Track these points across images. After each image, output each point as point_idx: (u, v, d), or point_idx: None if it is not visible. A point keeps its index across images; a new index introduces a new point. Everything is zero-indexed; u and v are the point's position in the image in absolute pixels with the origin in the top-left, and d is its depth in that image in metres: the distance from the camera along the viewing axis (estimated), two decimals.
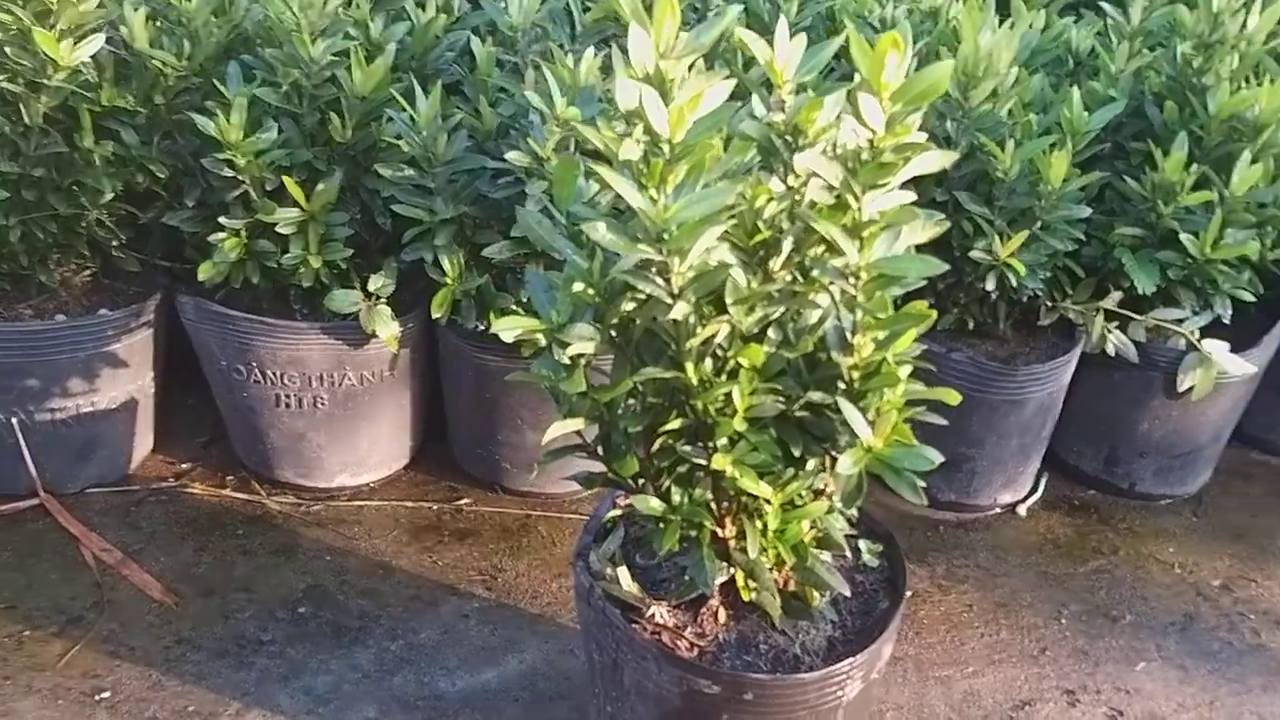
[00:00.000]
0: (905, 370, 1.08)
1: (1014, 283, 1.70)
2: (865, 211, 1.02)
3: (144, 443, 1.84)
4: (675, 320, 1.01)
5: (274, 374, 1.70)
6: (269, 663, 1.49)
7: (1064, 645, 1.63)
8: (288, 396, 1.72)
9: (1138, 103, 1.87)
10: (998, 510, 1.91)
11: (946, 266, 0.98)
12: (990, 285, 1.71)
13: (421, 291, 1.71)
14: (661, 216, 0.93)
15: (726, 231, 1.04)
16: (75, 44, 1.50)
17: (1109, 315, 1.81)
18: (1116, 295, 1.81)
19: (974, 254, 1.70)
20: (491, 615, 1.60)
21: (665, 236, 0.95)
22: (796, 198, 1.05)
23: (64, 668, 1.45)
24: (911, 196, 1.05)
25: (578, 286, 1.05)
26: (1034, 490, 1.96)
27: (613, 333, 1.07)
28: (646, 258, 0.97)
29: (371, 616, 1.58)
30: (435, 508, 1.81)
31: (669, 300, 0.99)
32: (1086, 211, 1.70)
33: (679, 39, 0.94)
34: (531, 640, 1.56)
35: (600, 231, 0.95)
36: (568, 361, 1.07)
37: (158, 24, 1.63)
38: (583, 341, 1.05)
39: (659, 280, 0.99)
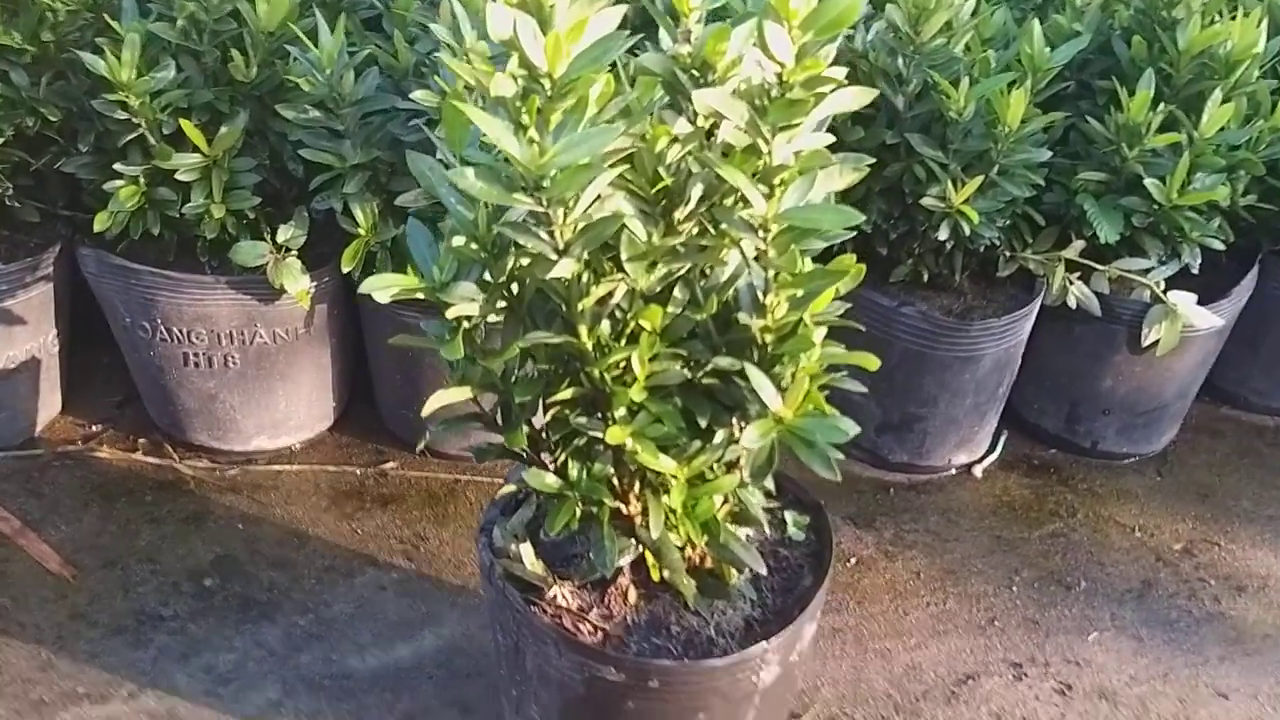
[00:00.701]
0: (822, 332, 0.98)
1: (969, 231, 1.60)
2: (776, 155, 0.92)
3: (50, 403, 1.74)
4: (564, 279, 0.92)
5: (180, 331, 1.59)
6: (169, 640, 1.40)
7: (1013, 615, 1.55)
8: (196, 355, 1.62)
9: (1104, 38, 1.76)
10: (952, 471, 1.82)
11: (863, 217, 0.87)
12: (944, 235, 1.61)
13: (339, 244, 1.60)
14: (538, 162, 0.83)
15: (623, 178, 0.94)
16: None
17: (1070, 266, 1.71)
18: (1079, 245, 1.71)
19: (926, 201, 1.59)
20: (411, 587, 1.52)
21: (544, 184, 0.84)
22: (704, 141, 0.95)
23: None
24: (828, 139, 0.95)
25: (459, 240, 0.95)
26: (991, 450, 1.87)
27: (502, 293, 0.97)
28: (530, 209, 0.87)
29: (282, 589, 1.49)
30: (358, 472, 1.72)
31: (553, 256, 0.89)
32: (1047, 155, 1.60)
33: None
34: (451, 614, 1.48)
35: (469, 180, 0.85)
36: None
37: None
38: (465, 302, 0.95)
39: (542, 234, 0.89)
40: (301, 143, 1.49)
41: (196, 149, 1.48)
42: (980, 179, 1.57)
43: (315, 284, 1.58)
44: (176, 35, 1.48)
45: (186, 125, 1.46)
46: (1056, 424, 1.89)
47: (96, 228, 1.51)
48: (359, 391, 1.82)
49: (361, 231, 1.51)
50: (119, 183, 1.50)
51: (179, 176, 1.49)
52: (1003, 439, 1.89)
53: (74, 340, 1.75)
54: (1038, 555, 1.66)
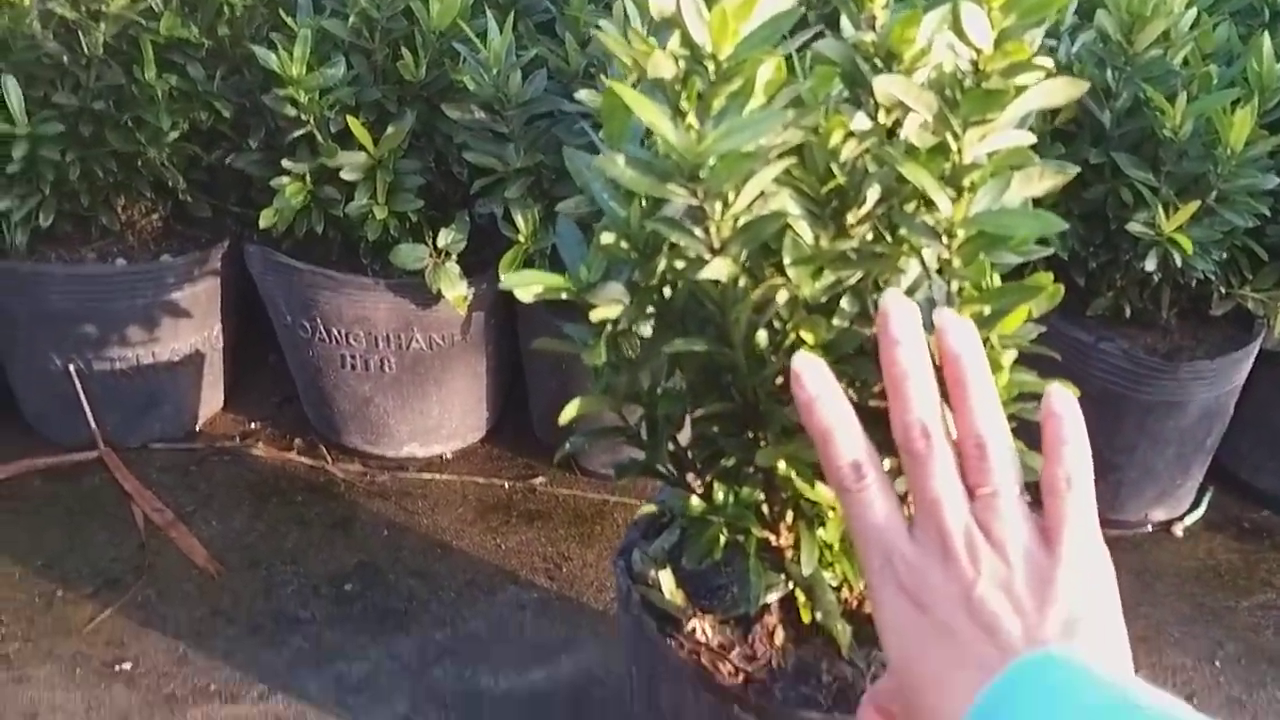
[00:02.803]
0: (1011, 356, 0.87)
1: (1180, 263, 1.43)
2: (967, 154, 0.81)
3: (213, 399, 1.76)
4: (718, 282, 0.83)
5: (339, 332, 1.58)
6: (304, 644, 1.37)
7: (1216, 693, 1.37)
8: (353, 357, 1.60)
9: None
10: (1149, 528, 1.65)
11: (1065, 225, 0.76)
12: (1151, 265, 1.45)
13: (500, 251, 1.56)
14: (694, 149, 0.74)
15: (790, 174, 0.85)
16: None
17: None
18: None
19: (1133, 227, 1.44)
20: (551, 608, 1.45)
21: (701, 174, 0.76)
22: (884, 138, 0.85)
23: (90, 634, 1.36)
24: (1029, 138, 0.84)
25: (608, 238, 0.87)
26: (1194, 506, 1.69)
27: (652, 297, 0.89)
28: (686, 204, 0.79)
29: (421, 601, 1.45)
30: (507, 485, 1.67)
31: (707, 256, 0.80)
32: (1275, 181, 1.42)
33: None
34: (590, 640, 1.40)
35: (619, 167, 0.77)
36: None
37: None
38: (610, 304, 0.87)
39: (697, 231, 0.80)
40: (466, 145, 1.45)
41: (362, 148, 1.46)
42: (1196, 205, 1.40)
43: (473, 290, 1.54)
44: (348, 32, 1.47)
45: (353, 123, 1.44)
46: (1273, 483, 1.69)
47: (262, 224, 1.51)
48: (513, 404, 1.78)
49: (521, 238, 1.47)
50: (285, 180, 1.49)
51: (344, 176, 1.48)
52: (1208, 496, 1.70)
53: (239, 338, 1.77)
54: (1246, 628, 1.48)
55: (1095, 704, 0.44)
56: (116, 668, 1.32)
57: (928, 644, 0.51)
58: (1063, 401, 0.56)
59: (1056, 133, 1.48)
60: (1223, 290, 1.54)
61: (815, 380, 0.58)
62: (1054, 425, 0.55)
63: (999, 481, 0.53)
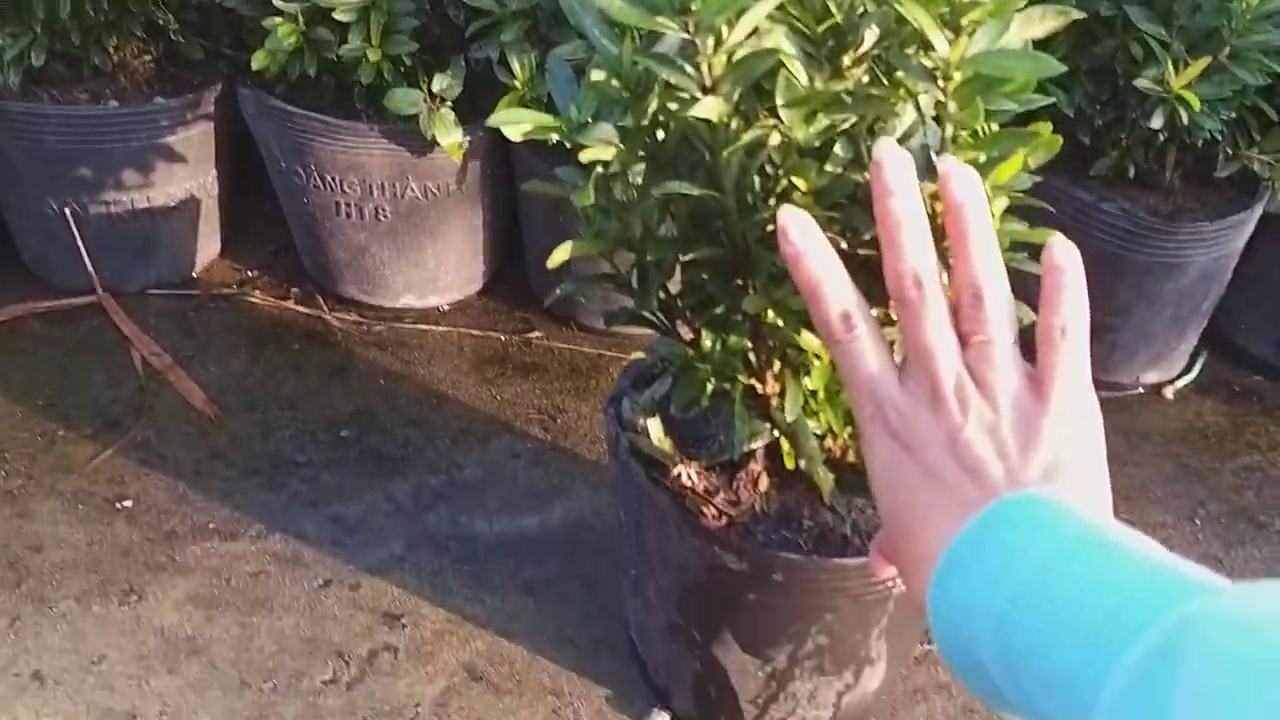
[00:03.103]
0: (1002, 204, 0.86)
1: (1187, 121, 1.41)
2: None
3: (209, 246, 1.75)
4: (710, 123, 0.82)
5: (333, 179, 1.56)
6: (301, 486, 1.40)
7: (1194, 550, 1.40)
8: (348, 205, 1.59)
9: None
10: (1140, 390, 1.66)
11: (1063, 67, 0.74)
12: (1158, 123, 1.42)
13: (497, 99, 1.53)
14: None
15: (786, 11, 0.82)
16: None
17: None
18: None
19: (1140, 83, 1.41)
20: (544, 457, 1.47)
21: (693, 7, 0.74)
22: None
23: (91, 472, 1.39)
24: None
25: (598, 76, 0.86)
26: (1187, 370, 1.69)
27: (643, 139, 0.88)
28: (679, 40, 0.77)
29: (416, 447, 1.47)
30: (503, 338, 1.67)
31: (698, 94, 0.79)
32: None
33: None
34: (582, 488, 1.43)
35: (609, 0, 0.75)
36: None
37: None
38: (600, 145, 0.86)
39: (688, 68, 0.79)
40: None
41: None
42: (1206, 61, 1.37)
43: (468, 138, 1.52)
44: None
45: None
46: (1266, 348, 1.69)
47: (254, 66, 1.48)
48: (510, 258, 1.77)
49: (518, 83, 1.44)
50: (277, 20, 1.46)
51: (337, 16, 1.44)
52: (1201, 360, 1.71)
53: (234, 184, 1.75)
54: (1228, 489, 1.50)
55: (1069, 537, 0.45)
56: (118, 505, 1.35)
57: (915, 488, 0.51)
58: (1064, 252, 0.55)
59: None
60: (1229, 151, 1.52)
61: (802, 234, 0.57)
62: (1054, 276, 0.54)
63: (994, 330, 0.53)
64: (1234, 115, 1.47)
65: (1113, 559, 0.44)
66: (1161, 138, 1.47)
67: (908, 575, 0.53)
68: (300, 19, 1.47)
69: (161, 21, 1.53)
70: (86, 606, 1.23)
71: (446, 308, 1.72)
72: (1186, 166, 1.55)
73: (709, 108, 0.78)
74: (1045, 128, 0.86)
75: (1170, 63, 1.38)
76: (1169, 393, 1.66)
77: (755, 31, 0.79)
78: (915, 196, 0.59)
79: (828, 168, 0.86)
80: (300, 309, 1.70)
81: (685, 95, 0.80)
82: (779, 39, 0.81)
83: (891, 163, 0.59)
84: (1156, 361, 1.64)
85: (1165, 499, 1.47)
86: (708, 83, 0.78)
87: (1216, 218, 1.50)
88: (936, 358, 0.53)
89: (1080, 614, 0.42)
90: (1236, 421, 1.62)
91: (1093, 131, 1.51)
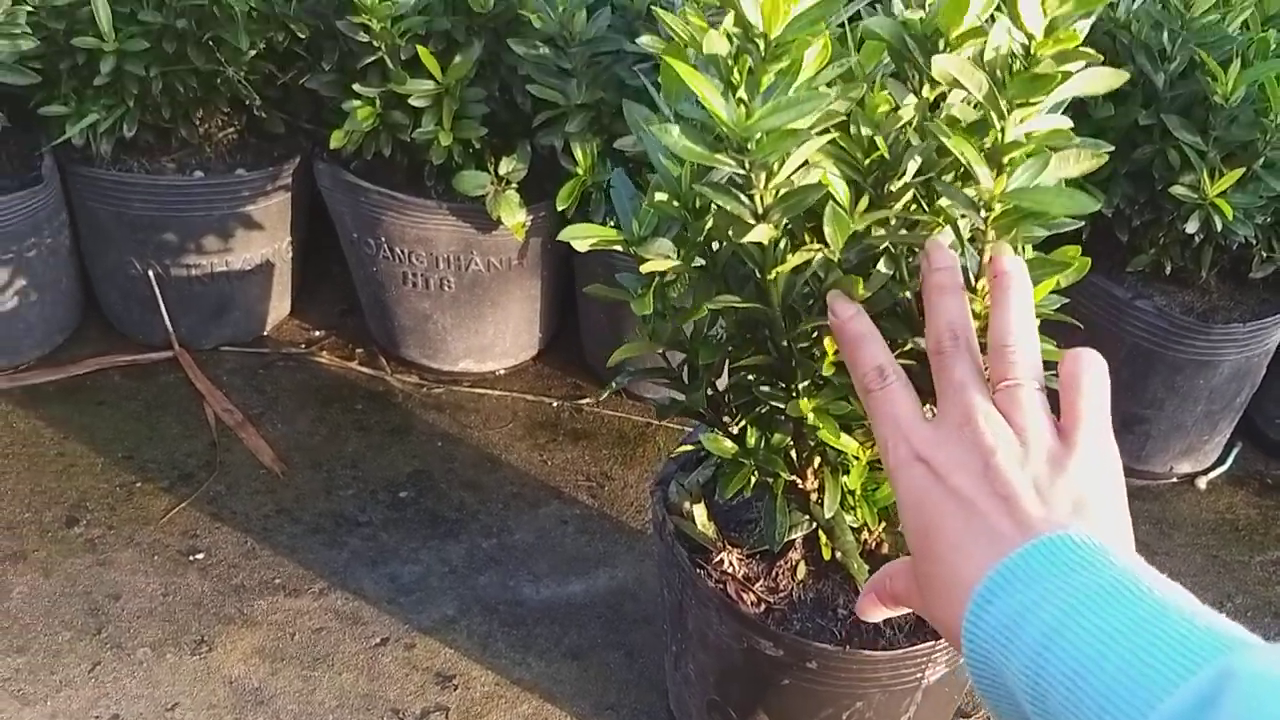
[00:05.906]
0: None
1: (1221, 227, 1.46)
2: (1010, 132, 0.85)
3: (280, 307, 1.85)
4: (760, 244, 0.89)
5: (402, 251, 1.65)
6: (361, 544, 1.47)
7: None
8: (414, 275, 1.68)
9: None
10: (1173, 480, 1.70)
11: (1098, 205, 0.80)
12: (1193, 228, 1.48)
13: (559, 181, 1.61)
14: (743, 123, 0.80)
15: (835, 144, 0.90)
16: None
17: None
18: None
19: (1177, 190, 1.47)
20: (591, 524, 1.54)
21: (749, 146, 0.81)
22: (929, 112, 0.90)
23: (166, 524, 1.47)
24: (1066, 122, 0.88)
25: (661, 196, 0.93)
26: (1220, 461, 1.73)
27: (698, 252, 0.95)
28: (733, 171, 0.84)
29: (470, 510, 1.54)
30: (555, 404, 1.75)
31: (751, 220, 0.86)
32: None
33: None
34: (627, 557, 1.49)
35: (673, 137, 0.82)
36: None
37: None
38: (660, 259, 0.93)
39: (742, 197, 0.86)
40: (529, 78, 1.50)
41: (431, 76, 1.52)
42: (1241, 171, 1.43)
43: (531, 218, 1.60)
44: None
45: (423, 52, 1.49)
46: None
47: (332, 145, 1.57)
48: (565, 327, 1.85)
49: (580, 171, 1.52)
50: (356, 103, 1.55)
51: (412, 102, 1.53)
52: (1234, 452, 1.75)
53: (307, 250, 1.85)
54: (1256, 582, 1.53)
55: (1110, 578, 0.46)
56: (190, 557, 1.43)
57: (946, 512, 0.53)
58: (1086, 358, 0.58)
59: (1109, 93, 1.49)
60: (1263, 254, 1.57)
61: (849, 306, 0.65)
62: (1074, 358, 0.58)
63: (1022, 375, 0.56)
64: (1268, 219, 1.52)
65: (1152, 604, 0.45)
66: (1198, 239, 1.53)
67: (932, 599, 0.54)
68: (377, 102, 1.56)
69: (246, 98, 1.63)
70: (161, 654, 1.31)
71: (502, 372, 1.80)
72: (1222, 266, 1.61)
73: (760, 234, 0.85)
74: (1074, 250, 0.92)
75: (1205, 171, 1.44)
76: (1202, 483, 1.70)
77: (805, 163, 0.86)
78: (959, 275, 0.66)
79: (870, 284, 0.93)
80: (364, 370, 1.78)
81: (739, 220, 0.87)
82: (827, 168, 0.88)
83: (941, 249, 0.66)
84: (1190, 453, 1.68)
85: (1194, 590, 1.48)
86: (760, 210, 0.85)
87: (1251, 319, 1.55)
88: (969, 390, 0.56)
89: (1119, 654, 0.43)
90: (1268, 514, 1.66)
91: (1130, 230, 1.57)
